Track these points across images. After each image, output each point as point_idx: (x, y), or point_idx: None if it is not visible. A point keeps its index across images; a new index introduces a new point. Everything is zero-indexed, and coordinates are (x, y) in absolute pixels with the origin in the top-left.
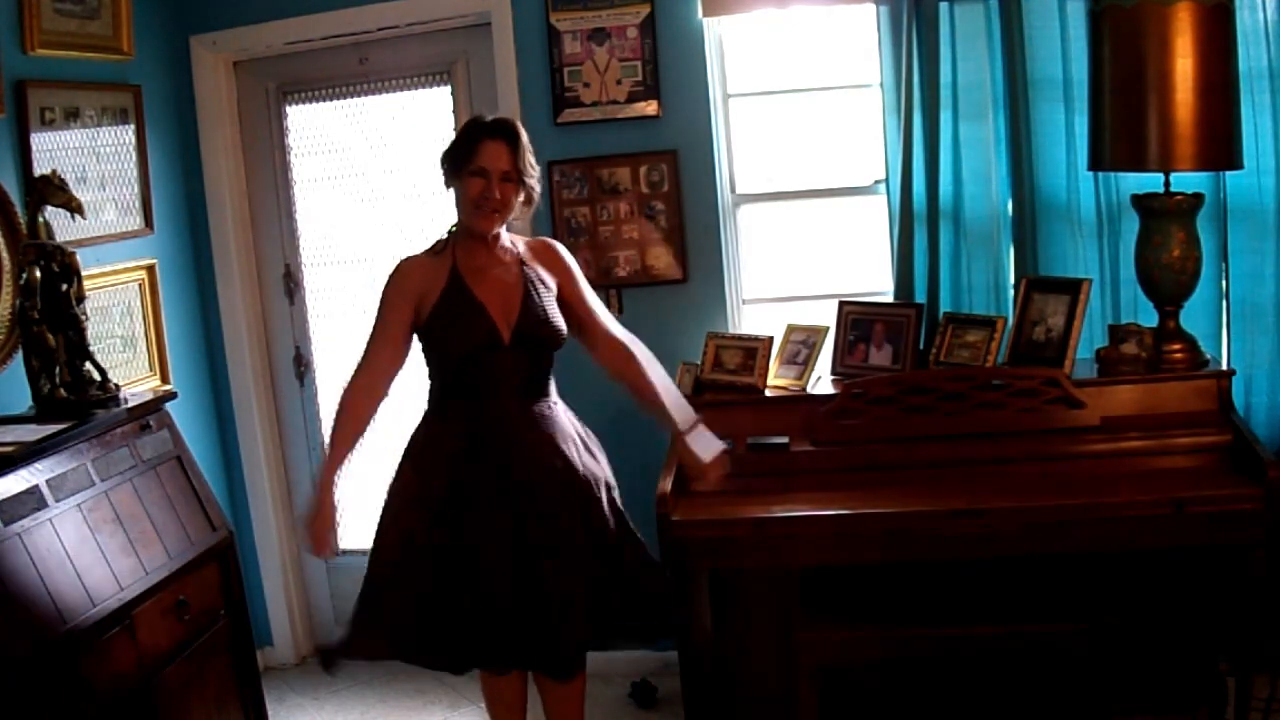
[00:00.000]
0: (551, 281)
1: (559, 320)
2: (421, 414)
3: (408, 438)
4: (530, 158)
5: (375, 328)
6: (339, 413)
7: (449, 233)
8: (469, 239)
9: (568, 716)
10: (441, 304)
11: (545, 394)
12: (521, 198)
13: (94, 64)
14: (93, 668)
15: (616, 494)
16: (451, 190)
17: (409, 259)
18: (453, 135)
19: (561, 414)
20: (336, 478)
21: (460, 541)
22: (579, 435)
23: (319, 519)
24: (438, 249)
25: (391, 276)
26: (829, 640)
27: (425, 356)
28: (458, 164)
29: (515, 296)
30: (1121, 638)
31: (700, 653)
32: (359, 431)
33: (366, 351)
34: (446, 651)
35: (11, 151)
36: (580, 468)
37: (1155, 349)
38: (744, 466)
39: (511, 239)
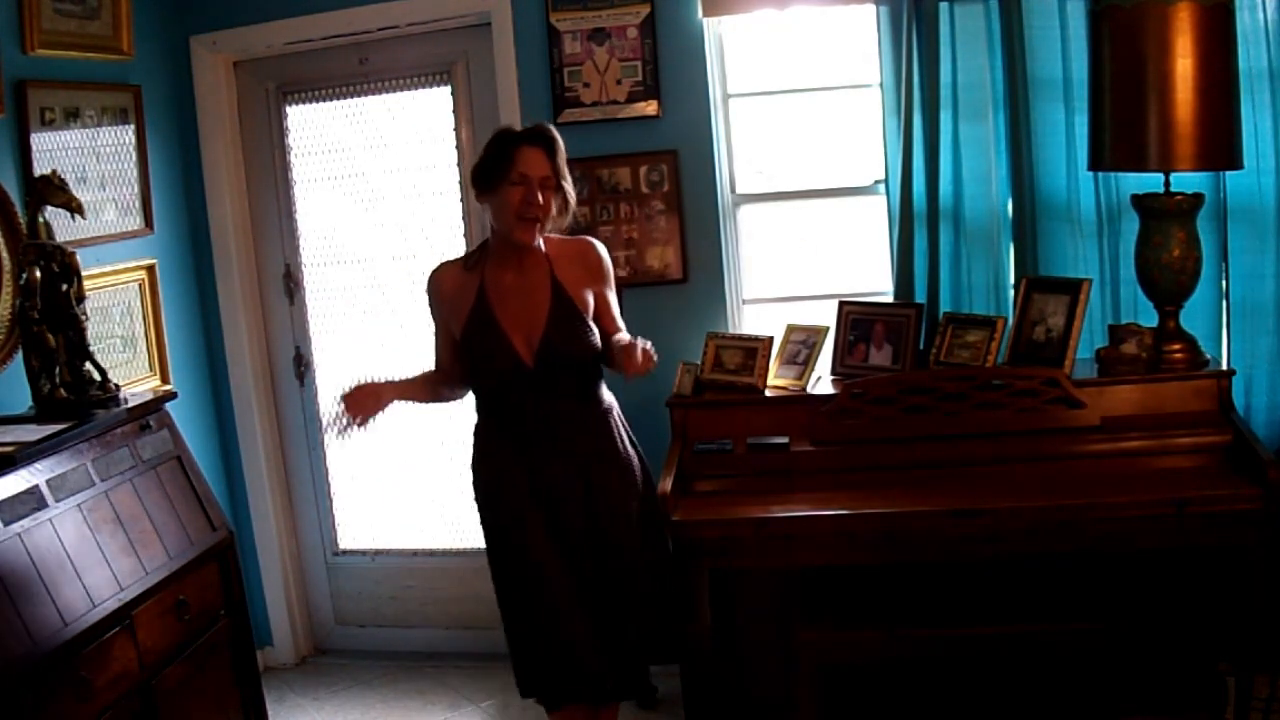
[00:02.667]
0: (585, 288)
1: (587, 336)
2: (474, 423)
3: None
4: (561, 158)
5: (434, 331)
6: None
7: (483, 244)
8: (503, 249)
9: None
10: (468, 328)
11: (584, 402)
12: (556, 206)
13: (94, 64)
14: (93, 668)
15: (641, 506)
16: (487, 205)
17: (441, 270)
18: (482, 150)
19: (602, 422)
20: (398, 390)
21: (524, 568)
22: (620, 443)
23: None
24: (470, 262)
25: (428, 287)
26: (829, 640)
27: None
28: (496, 176)
29: (540, 315)
30: (1121, 638)
31: (700, 653)
32: (431, 382)
33: (435, 351)
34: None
35: (11, 151)
36: (613, 487)
37: (1155, 349)
38: (744, 466)
39: (543, 242)
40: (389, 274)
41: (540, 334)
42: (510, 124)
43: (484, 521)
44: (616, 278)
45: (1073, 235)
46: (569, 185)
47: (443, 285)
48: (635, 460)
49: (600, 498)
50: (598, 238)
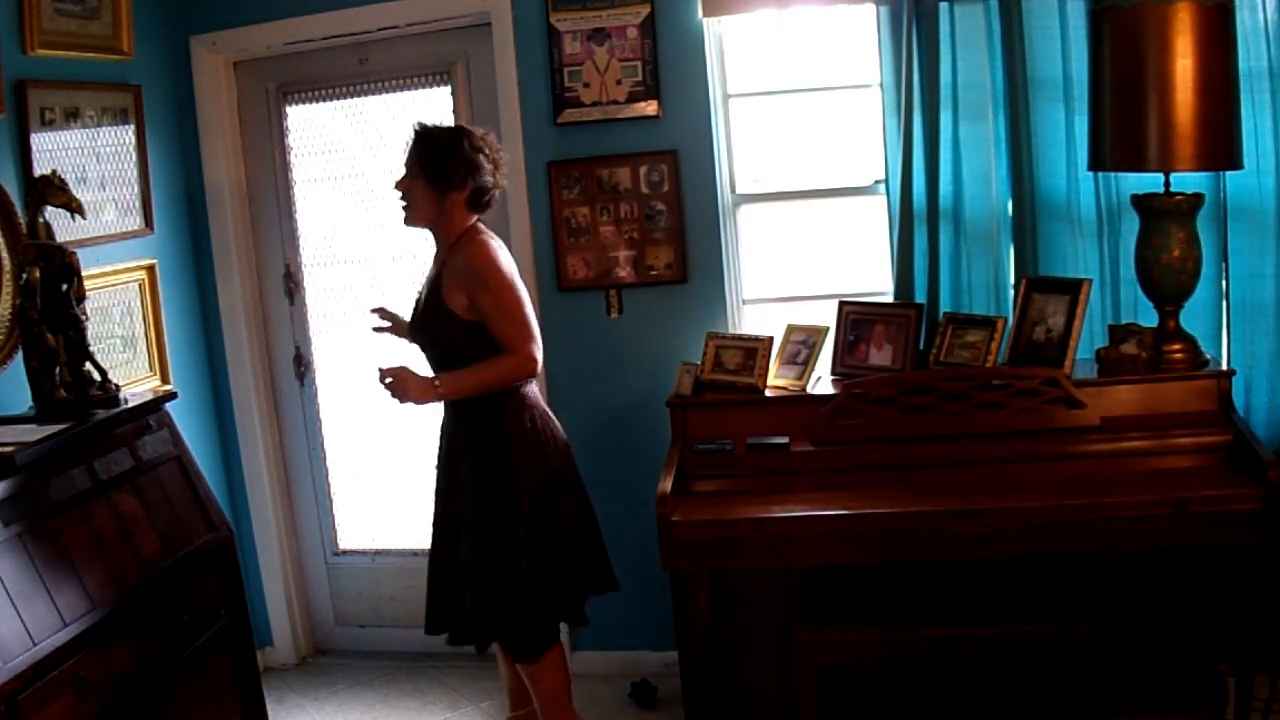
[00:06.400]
0: (457, 287)
1: (436, 330)
2: None
3: None
4: (421, 152)
5: None
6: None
7: None
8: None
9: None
10: None
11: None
12: (415, 193)
13: (94, 64)
14: (93, 668)
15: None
16: None
17: None
18: None
19: (460, 411)
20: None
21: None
22: (476, 434)
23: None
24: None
25: None
26: (829, 640)
27: None
28: None
29: (422, 302)
30: (1122, 638)
31: (700, 653)
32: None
33: None
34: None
35: (11, 151)
36: (473, 473)
37: (1155, 349)
38: (744, 466)
39: (470, 245)
40: (389, 274)
41: (413, 319)
42: None
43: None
44: (616, 278)
45: (1073, 235)
46: (430, 173)
47: None
48: (492, 457)
49: (458, 474)
50: (598, 238)
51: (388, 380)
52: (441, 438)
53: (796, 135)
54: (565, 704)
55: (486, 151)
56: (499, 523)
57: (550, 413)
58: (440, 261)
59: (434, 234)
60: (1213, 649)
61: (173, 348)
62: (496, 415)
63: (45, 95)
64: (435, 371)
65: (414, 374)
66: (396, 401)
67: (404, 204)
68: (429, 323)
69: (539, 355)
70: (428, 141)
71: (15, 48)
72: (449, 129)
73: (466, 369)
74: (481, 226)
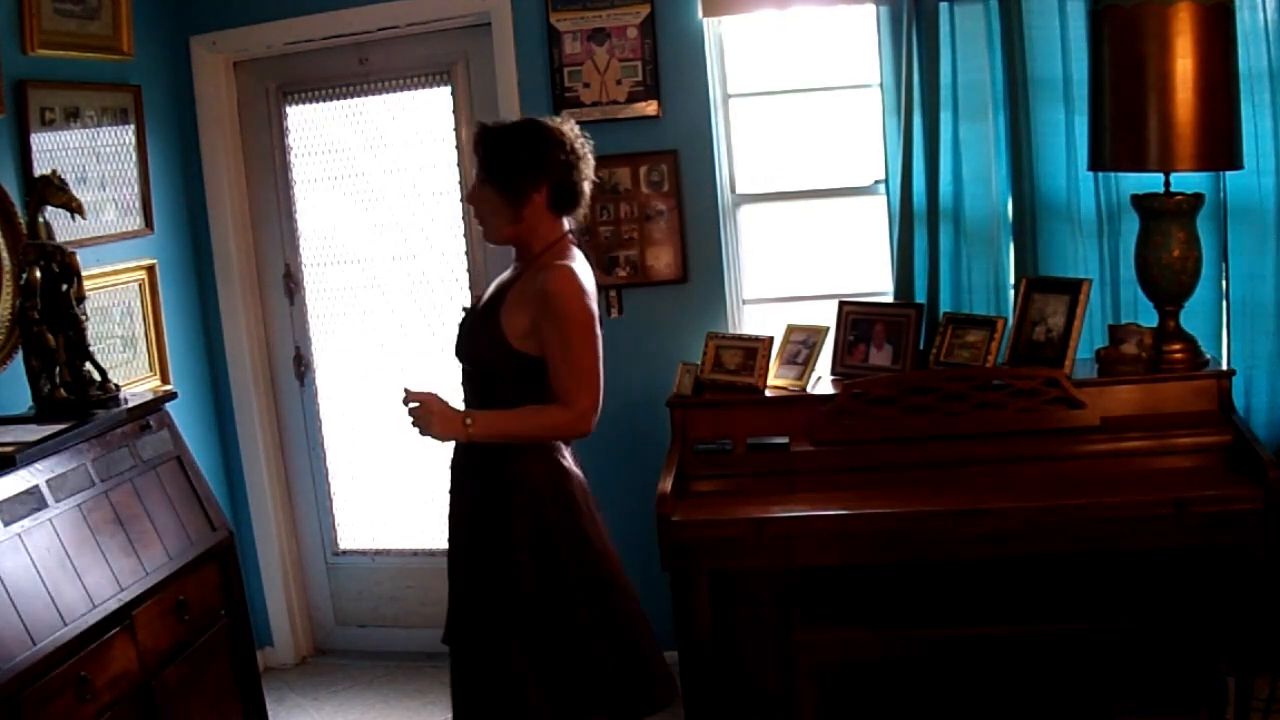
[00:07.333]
0: (520, 309)
1: (482, 346)
2: None
3: None
4: (486, 155)
5: None
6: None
7: None
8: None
9: None
10: None
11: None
12: (485, 201)
13: (94, 64)
14: (93, 668)
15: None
16: None
17: None
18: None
19: (488, 460)
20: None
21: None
22: (505, 493)
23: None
24: None
25: None
26: (829, 640)
27: None
28: None
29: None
30: (1122, 638)
31: (700, 653)
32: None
33: None
34: None
35: (11, 151)
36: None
37: (1155, 349)
38: (744, 466)
39: (548, 261)
40: (389, 274)
41: (463, 320)
42: None
43: None
44: (617, 278)
45: (1073, 235)
46: (500, 178)
47: None
48: (519, 522)
49: (473, 530)
50: (598, 238)
51: (412, 405)
52: (451, 489)
53: (796, 135)
54: None
55: (564, 144)
56: (494, 637)
57: (584, 481)
58: (517, 271)
59: (518, 247)
60: (1213, 649)
61: (173, 348)
62: (508, 486)
63: (45, 95)
64: (465, 390)
65: (445, 404)
66: (417, 431)
67: (478, 219)
68: (475, 331)
69: (595, 417)
70: (490, 141)
71: (15, 48)
72: (514, 123)
73: (505, 411)
74: (572, 247)
